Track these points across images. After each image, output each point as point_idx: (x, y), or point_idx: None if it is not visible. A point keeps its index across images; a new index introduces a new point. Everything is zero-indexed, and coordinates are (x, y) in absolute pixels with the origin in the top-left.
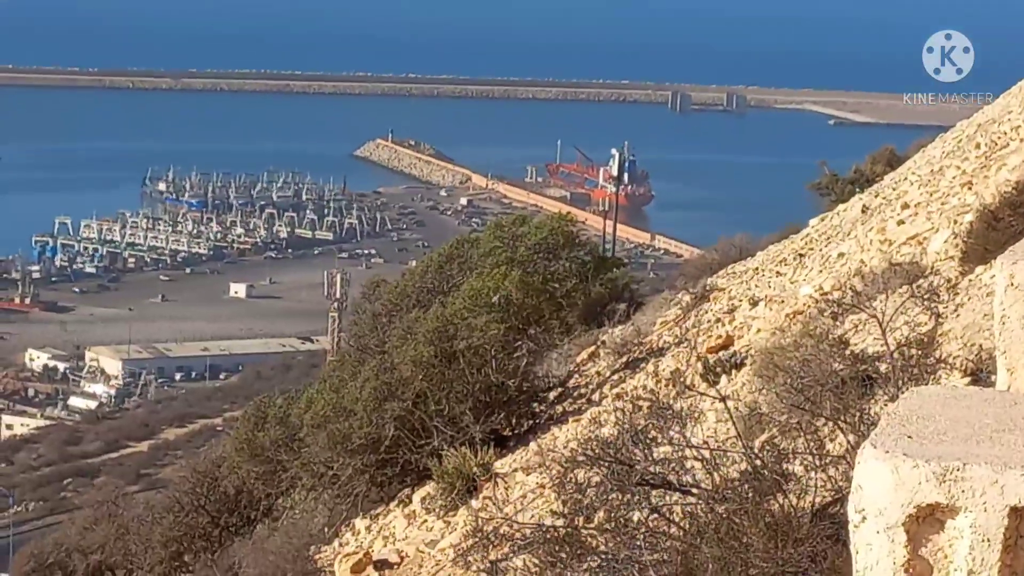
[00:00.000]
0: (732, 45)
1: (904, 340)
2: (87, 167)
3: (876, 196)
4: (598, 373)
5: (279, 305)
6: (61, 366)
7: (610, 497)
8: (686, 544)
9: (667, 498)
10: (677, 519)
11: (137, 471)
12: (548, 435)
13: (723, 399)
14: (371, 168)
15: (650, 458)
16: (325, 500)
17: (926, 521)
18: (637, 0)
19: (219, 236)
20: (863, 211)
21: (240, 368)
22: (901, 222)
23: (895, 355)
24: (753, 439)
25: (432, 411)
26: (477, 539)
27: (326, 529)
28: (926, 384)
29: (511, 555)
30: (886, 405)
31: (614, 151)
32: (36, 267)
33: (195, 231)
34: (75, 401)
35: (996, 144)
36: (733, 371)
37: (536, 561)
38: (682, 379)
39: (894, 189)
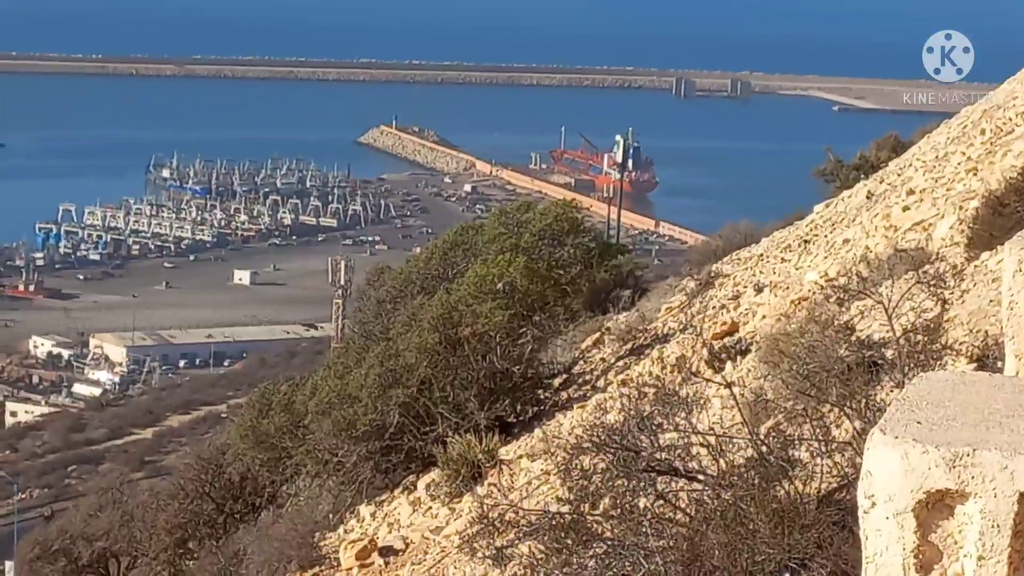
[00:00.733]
0: (736, 31)
1: (910, 326)
2: (91, 154)
3: (881, 182)
4: (603, 360)
5: (283, 292)
6: (65, 353)
7: (616, 483)
8: (692, 530)
9: (673, 484)
10: (683, 505)
11: (141, 458)
12: (553, 422)
13: (729, 385)
14: (375, 155)
15: (656, 444)
16: (330, 487)
17: (936, 507)
18: None
19: (223, 223)
20: (868, 197)
21: (244, 355)
22: (906, 208)
23: (901, 341)
24: (759, 425)
25: (437, 398)
26: (482, 526)
27: (331, 516)
28: (932, 370)
29: (517, 541)
30: (892, 391)
31: (618, 138)
32: (40, 254)
33: (199, 218)
34: (79, 388)
35: (1001, 130)
36: (738, 357)
37: (542, 547)
38: (687, 365)
39: (899, 175)
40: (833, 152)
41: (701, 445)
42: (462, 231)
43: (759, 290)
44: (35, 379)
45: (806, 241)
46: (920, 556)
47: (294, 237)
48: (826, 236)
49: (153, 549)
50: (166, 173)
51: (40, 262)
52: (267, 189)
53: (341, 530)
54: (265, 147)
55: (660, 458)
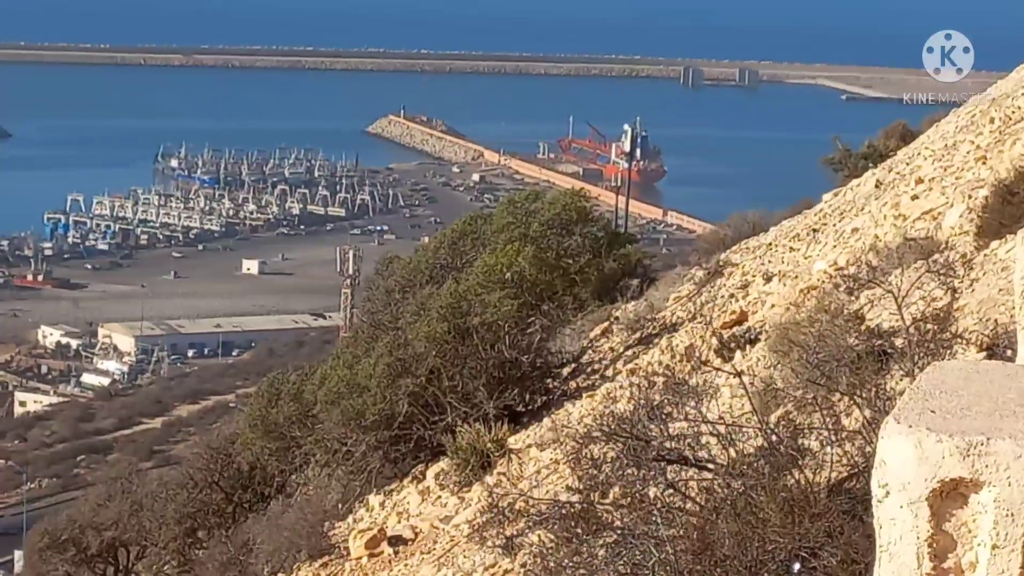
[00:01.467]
0: (744, 20)
1: (920, 315)
2: (99, 144)
3: (890, 171)
4: (611, 349)
5: (291, 281)
6: (74, 343)
7: (626, 472)
8: (702, 519)
9: (683, 473)
10: (693, 495)
11: (150, 448)
12: (562, 411)
13: (738, 374)
14: (383, 144)
15: (666, 433)
16: (339, 476)
17: (950, 496)
18: None
19: (231, 213)
20: (877, 186)
21: (253, 345)
22: (915, 197)
23: (911, 330)
24: (769, 414)
25: (446, 387)
26: (492, 515)
27: (340, 505)
28: (942, 359)
29: (526, 531)
30: (902, 380)
31: (626, 127)
32: (48, 244)
33: (207, 208)
34: (88, 378)
35: (1010, 119)
36: (748, 346)
37: (552, 537)
38: (697, 354)
39: (908, 164)
40: (842, 141)
41: (711, 434)
42: (470, 220)
43: (768, 279)
44: (44, 369)
45: (815, 230)
46: (934, 545)
47: (302, 227)
48: (835, 225)
49: (162, 538)
50: (174, 163)
51: (48, 252)
52: (275, 179)
53: (350, 519)
54: (273, 137)
55: (670, 447)
